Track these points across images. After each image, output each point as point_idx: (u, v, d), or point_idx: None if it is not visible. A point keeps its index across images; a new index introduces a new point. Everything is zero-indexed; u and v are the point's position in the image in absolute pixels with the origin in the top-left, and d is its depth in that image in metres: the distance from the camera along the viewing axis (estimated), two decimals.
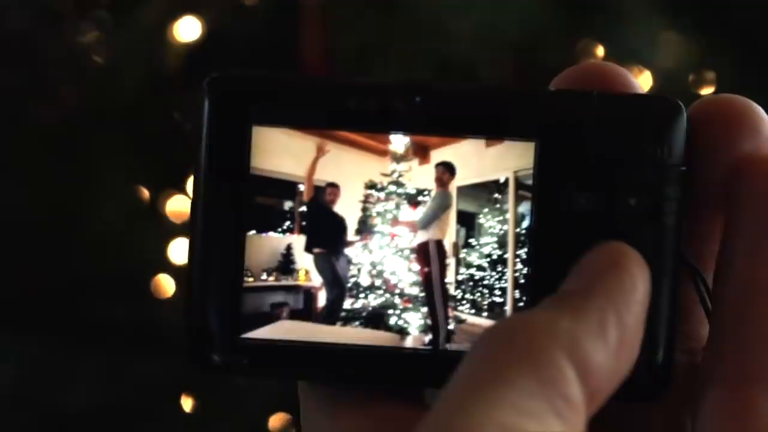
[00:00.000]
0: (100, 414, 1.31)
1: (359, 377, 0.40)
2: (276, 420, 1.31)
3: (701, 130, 0.39)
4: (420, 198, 0.40)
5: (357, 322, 0.40)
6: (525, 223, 0.40)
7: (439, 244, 0.40)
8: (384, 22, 1.31)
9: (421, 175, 0.40)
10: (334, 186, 0.40)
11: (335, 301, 0.40)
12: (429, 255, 0.40)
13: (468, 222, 0.40)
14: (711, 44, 1.30)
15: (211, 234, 0.40)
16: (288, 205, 0.40)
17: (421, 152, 0.40)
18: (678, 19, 1.30)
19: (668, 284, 0.39)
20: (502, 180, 0.40)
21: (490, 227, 0.40)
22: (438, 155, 0.40)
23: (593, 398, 0.34)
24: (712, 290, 0.39)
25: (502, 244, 0.40)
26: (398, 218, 0.40)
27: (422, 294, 0.40)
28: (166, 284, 1.31)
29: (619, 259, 0.37)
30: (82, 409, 1.31)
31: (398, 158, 0.40)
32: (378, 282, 0.41)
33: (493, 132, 0.39)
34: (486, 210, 0.40)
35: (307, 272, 0.41)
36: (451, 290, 0.40)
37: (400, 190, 0.40)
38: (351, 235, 0.40)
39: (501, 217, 0.40)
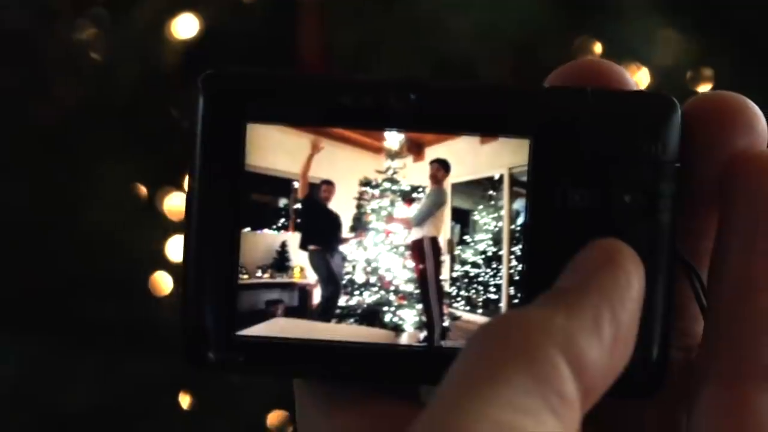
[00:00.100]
0: (99, 412, 1.31)
1: (354, 374, 0.40)
2: (273, 417, 1.31)
3: (696, 127, 0.39)
4: (415, 195, 0.40)
5: (352, 320, 0.40)
6: (520, 220, 0.40)
7: (434, 241, 0.40)
8: (382, 20, 1.31)
9: (415, 172, 0.40)
10: (328, 183, 0.40)
11: (330, 299, 0.40)
12: (424, 252, 0.40)
13: (463, 219, 0.40)
14: (709, 42, 1.30)
15: (206, 231, 0.40)
16: (283, 202, 0.40)
17: (415, 149, 0.40)
18: (676, 17, 1.30)
19: (663, 281, 0.39)
20: (496, 177, 0.40)
21: (484, 224, 0.40)
22: (433, 152, 0.40)
23: (588, 395, 0.34)
24: (707, 287, 0.39)
25: (496, 241, 0.40)
26: (393, 215, 0.40)
27: (417, 291, 0.40)
28: (163, 282, 1.31)
29: (613, 256, 0.37)
30: (81, 408, 1.31)
31: (393, 155, 0.40)
32: (373, 279, 0.41)
33: (487, 129, 0.39)
34: (481, 207, 0.40)
35: (302, 269, 0.41)
36: (446, 287, 0.40)
37: (394, 187, 0.40)
38: (346, 232, 0.40)
39: (496, 214, 0.40)
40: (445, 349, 0.40)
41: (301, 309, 0.40)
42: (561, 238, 0.39)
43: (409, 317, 0.40)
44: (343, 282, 0.40)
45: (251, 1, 1.33)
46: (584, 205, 0.39)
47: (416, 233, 0.41)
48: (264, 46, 1.31)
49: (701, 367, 0.38)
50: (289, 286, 0.40)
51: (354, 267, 0.40)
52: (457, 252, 0.40)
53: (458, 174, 0.40)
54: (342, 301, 0.40)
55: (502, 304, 0.40)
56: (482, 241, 0.40)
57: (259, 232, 0.40)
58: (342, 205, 0.40)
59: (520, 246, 0.39)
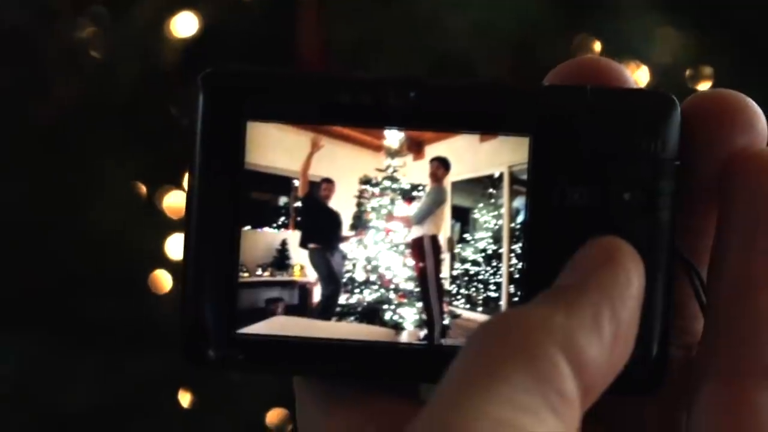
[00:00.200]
0: (99, 410, 1.31)
1: (354, 372, 0.40)
2: (273, 415, 1.31)
3: (696, 125, 0.39)
4: (415, 193, 0.40)
5: (352, 318, 0.40)
6: (520, 218, 0.40)
7: (434, 239, 0.40)
8: (381, 18, 1.31)
9: (415, 171, 0.40)
10: (328, 181, 0.40)
11: (330, 297, 0.40)
12: (424, 250, 0.40)
13: (463, 217, 0.40)
14: (708, 40, 1.30)
15: (206, 229, 0.40)
16: (283, 200, 0.40)
17: (415, 147, 0.40)
18: (675, 15, 1.30)
19: (663, 279, 0.39)
20: (496, 175, 0.40)
21: (484, 222, 0.40)
22: (432, 150, 0.40)
23: (588, 393, 0.34)
24: (707, 285, 0.39)
25: (496, 239, 0.40)
26: (393, 213, 0.40)
27: (417, 289, 0.40)
28: (163, 280, 1.31)
29: (613, 254, 0.37)
30: (81, 406, 1.31)
31: (393, 153, 0.40)
32: (373, 277, 0.41)
33: (487, 127, 0.39)
34: (481, 205, 0.40)
35: (302, 268, 0.41)
36: (446, 285, 0.40)
37: (394, 186, 0.40)
38: (346, 230, 0.40)
39: (496, 212, 0.40)
40: (445, 347, 0.40)
41: (302, 307, 0.40)
42: (561, 236, 0.39)
43: (409, 315, 0.40)
44: (344, 280, 0.40)
45: None
46: (584, 203, 0.39)
47: (416, 231, 0.41)
48: (263, 44, 1.31)
49: (701, 364, 0.38)
50: (289, 285, 0.40)
51: (354, 265, 0.41)
52: (457, 250, 0.40)
53: (458, 172, 0.40)
54: (342, 299, 0.40)
55: (502, 302, 0.40)
56: (482, 239, 0.40)
57: (259, 230, 0.40)
58: (342, 204, 0.40)
59: (520, 244, 0.39)
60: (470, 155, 0.40)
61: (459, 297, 0.40)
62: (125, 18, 1.32)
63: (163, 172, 1.31)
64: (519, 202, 0.40)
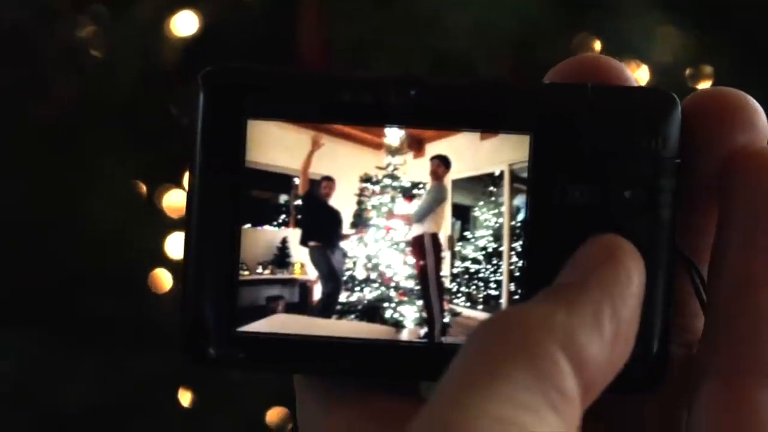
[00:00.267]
0: (99, 409, 1.31)
1: (355, 371, 0.40)
2: (273, 414, 1.31)
3: (696, 123, 0.39)
4: (415, 191, 0.40)
5: (352, 316, 0.40)
6: (520, 216, 0.40)
7: (435, 237, 0.40)
8: (381, 17, 1.31)
9: (416, 169, 0.40)
10: (329, 179, 0.40)
11: (331, 295, 0.40)
12: (424, 248, 0.40)
13: (463, 215, 0.40)
14: (708, 39, 1.30)
15: (207, 228, 0.40)
16: (283, 198, 0.40)
17: (416, 145, 0.40)
18: (675, 14, 1.30)
19: (663, 277, 0.39)
20: (497, 173, 0.40)
21: (485, 220, 0.40)
22: (433, 148, 0.40)
23: (588, 391, 0.34)
24: (707, 283, 0.39)
25: (497, 237, 0.40)
26: (393, 211, 0.40)
27: (417, 287, 0.40)
28: (163, 278, 1.31)
29: (614, 252, 0.37)
30: (81, 404, 1.31)
31: (393, 151, 0.40)
32: (373, 275, 0.41)
33: (488, 125, 0.39)
34: (481, 203, 0.40)
35: (302, 266, 0.41)
36: (447, 283, 0.40)
37: (395, 184, 0.40)
38: (346, 228, 0.40)
39: (496, 210, 0.40)
40: (446, 346, 0.40)
41: (302, 305, 0.40)
42: (561, 234, 0.39)
43: (410, 313, 0.40)
44: (344, 278, 0.40)
45: None
46: (584, 201, 0.39)
47: (417, 229, 0.41)
48: (264, 43, 1.31)
49: (701, 362, 0.38)
50: (289, 283, 0.40)
51: (354, 263, 0.41)
52: (457, 248, 0.40)
53: (459, 170, 0.40)
54: (342, 297, 0.40)
55: (503, 300, 0.40)
56: (483, 237, 0.40)
57: (259, 228, 0.40)
58: (342, 202, 0.40)
59: (521, 242, 0.39)
60: (471, 153, 0.40)
61: (459, 295, 0.40)
62: (125, 17, 1.32)
63: (163, 171, 1.31)
64: (519, 200, 0.40)
